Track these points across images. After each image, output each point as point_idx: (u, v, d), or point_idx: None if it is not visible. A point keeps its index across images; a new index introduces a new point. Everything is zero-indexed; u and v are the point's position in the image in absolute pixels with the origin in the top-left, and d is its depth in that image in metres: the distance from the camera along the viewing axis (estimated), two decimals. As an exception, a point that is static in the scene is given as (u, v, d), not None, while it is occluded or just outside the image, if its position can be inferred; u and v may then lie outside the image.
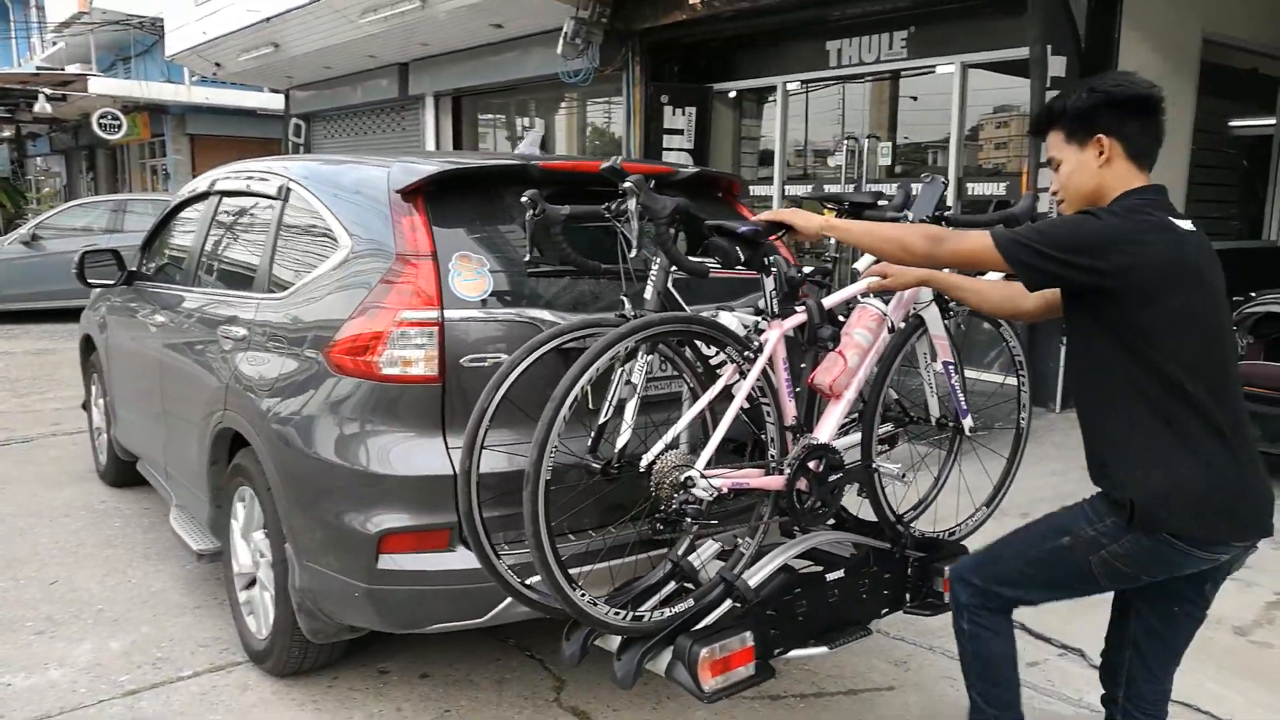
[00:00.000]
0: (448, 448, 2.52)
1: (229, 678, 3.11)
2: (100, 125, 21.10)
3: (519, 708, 2.92)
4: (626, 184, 2.26)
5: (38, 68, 24.88)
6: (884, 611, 2.73)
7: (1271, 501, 1.96)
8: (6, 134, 25.68)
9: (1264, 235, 8.04)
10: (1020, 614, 3.46)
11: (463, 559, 2.51)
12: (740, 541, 2.48)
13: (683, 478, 2.17)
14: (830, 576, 2.53)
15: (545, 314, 2.62)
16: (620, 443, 2.26)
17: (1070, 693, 3.02)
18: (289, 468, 2.68)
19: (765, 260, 2.42)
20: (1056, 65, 5.47)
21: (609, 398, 2.30)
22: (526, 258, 2.51)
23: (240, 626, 3.25)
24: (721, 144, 9.27)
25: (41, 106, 20.18)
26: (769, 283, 2.43)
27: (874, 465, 2.64)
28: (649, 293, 2.37)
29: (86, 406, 5.56)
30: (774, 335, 2.39)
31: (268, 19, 11.61)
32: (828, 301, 2.51)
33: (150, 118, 23.06)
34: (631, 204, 2.26)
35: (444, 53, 11.19)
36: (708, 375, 2.44)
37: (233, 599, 3.29)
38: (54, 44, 24.46)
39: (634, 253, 2.31)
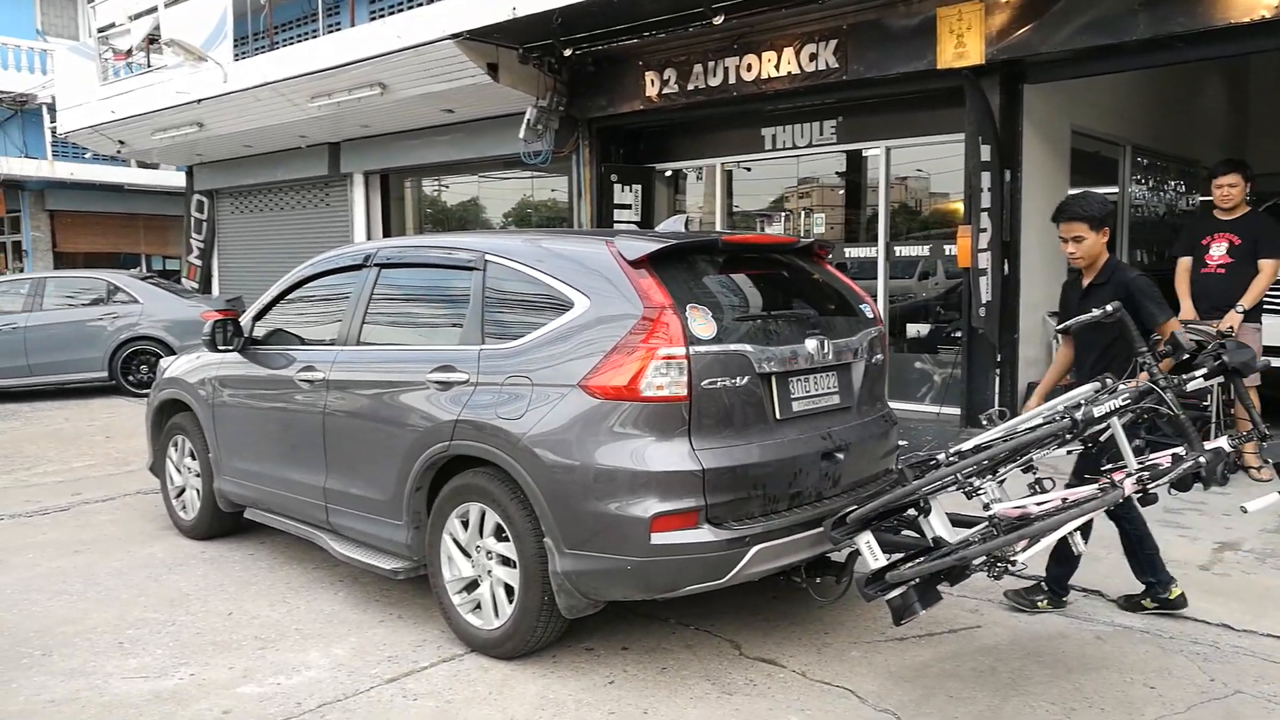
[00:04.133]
0: (693, 448, 3.35)
1: (463, 664, 3.73)
2: (-46, 202, 20.15)
3: (716, 661, 3.71)
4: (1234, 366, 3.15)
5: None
6: None
7: None
8: None
9: (1115, 285, 9.79)
10: (1040, 567, 4.50)
11: (709, 534, 3.33)
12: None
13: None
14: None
15: (747, 347, 3.51)
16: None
17: (1103, 619, 4.08)
18: (555, 475, 3.41)
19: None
20: (985, 152, 6.86)
21: None
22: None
23: (458, 624, 3.86)
24: (661, 216, 10.34)
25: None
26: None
27: None
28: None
29: (157, 469, 5.89)
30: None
31: (199, 100, 11.92)
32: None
33: (5, 193, 22.13)
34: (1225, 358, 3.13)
35: (383, 133, 11.81)
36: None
37: (446, 604, 3.90)
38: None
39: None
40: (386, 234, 12.96)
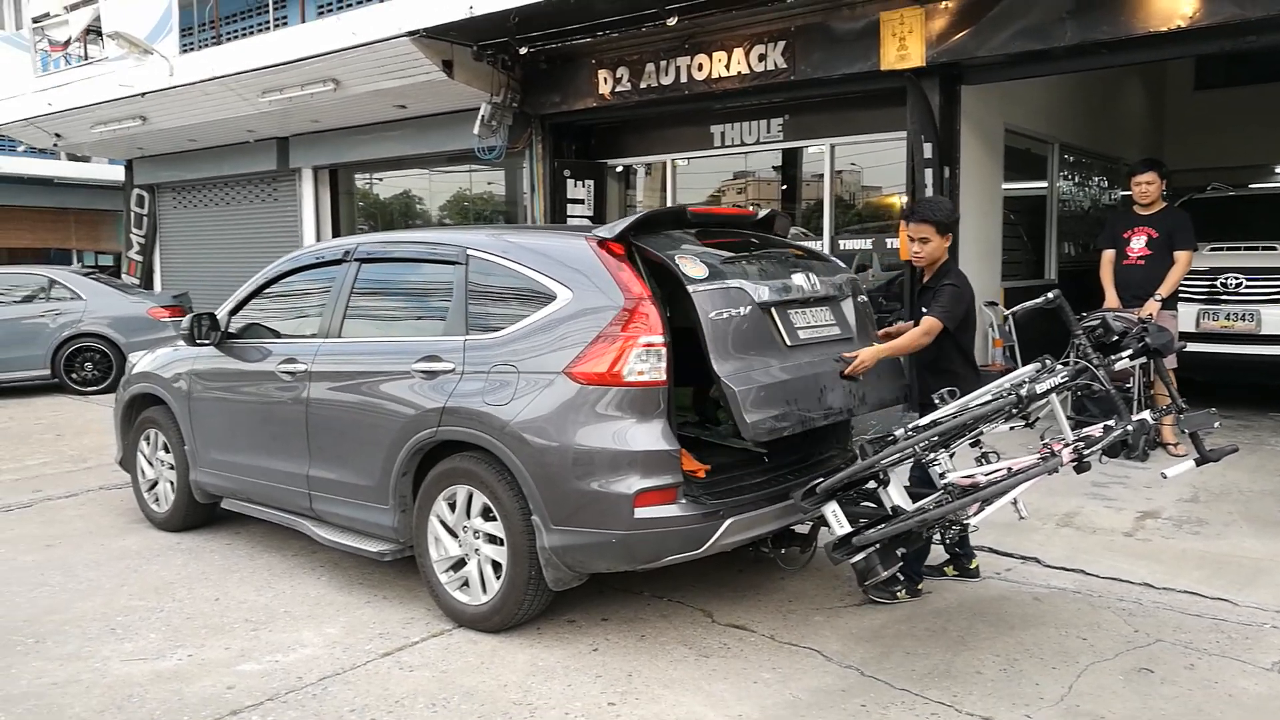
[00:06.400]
0: (672, 428, 3.61)
1: (452, 638, 3.94)
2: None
3: (691, 629, 3.98)
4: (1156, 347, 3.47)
5: None
6: None
7: None
8: None
9: (1045, 274, 10.33)
10: (984, 538, 4.89)
11: (687, 508, 3.59)
12: None
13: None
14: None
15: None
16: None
17: (1040, 583, 4.45)
18: (542, 457, 3.63)
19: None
20: (927, 150, 7.25)
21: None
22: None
23: (446, 601, 4.07)
24: (612, 211, 10.58)
25: None
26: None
27: None
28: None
29: (127, 464, 5.95)
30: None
31: (143, 94, 11.79)
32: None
33: (-74, 188, 21.40)
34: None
35: (334, 128, 11.82)
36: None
37: (434, 582, 4.10)
38: None
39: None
40: (335, 230, 12.97)
